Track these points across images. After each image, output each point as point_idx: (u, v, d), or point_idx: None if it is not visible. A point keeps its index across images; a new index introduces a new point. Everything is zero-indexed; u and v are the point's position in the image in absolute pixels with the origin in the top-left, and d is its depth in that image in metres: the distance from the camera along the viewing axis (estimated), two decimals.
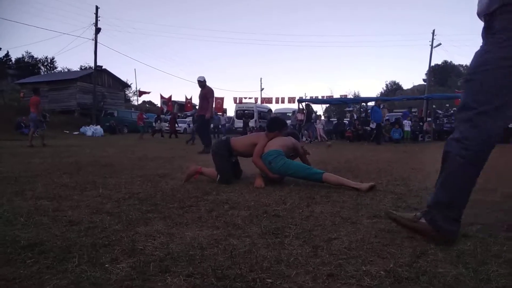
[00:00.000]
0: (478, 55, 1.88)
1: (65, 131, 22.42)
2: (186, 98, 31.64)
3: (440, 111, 22.53)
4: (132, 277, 1.47)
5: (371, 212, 2.57)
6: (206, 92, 8.57)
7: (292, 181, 3.94)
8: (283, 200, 3.00)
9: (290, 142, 3.99)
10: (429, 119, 18.81)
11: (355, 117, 21.01)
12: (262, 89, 45.56)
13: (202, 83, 8.61)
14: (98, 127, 23.85)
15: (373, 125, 15.52)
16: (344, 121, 21.96)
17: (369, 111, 18.07)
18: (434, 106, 23.27)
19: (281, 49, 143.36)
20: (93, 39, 27.43)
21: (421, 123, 18.08)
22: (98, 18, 27.49)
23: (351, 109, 27.90)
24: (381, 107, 16.48)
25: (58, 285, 1.41)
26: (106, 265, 1.59)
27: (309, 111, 18.49)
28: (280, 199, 3.04)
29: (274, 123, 4.13)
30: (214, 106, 8.67)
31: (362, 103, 22.57)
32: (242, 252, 1.76)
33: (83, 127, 23.73)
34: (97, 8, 27.42)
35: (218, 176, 3.83)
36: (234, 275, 1.48)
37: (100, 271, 1.53)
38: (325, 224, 2.27)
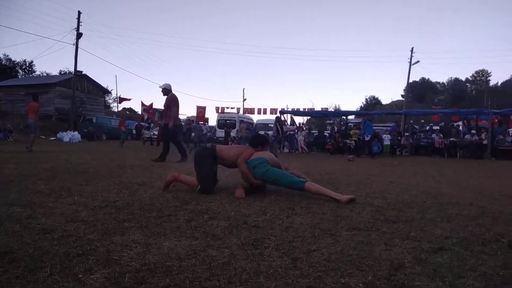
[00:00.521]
0: None
1: (41, 136, 21.81)
2: None
3: (417, 126, 23.08)
4: None
5: (350, 224, 2.59)
6: (170, 100, 8.32)
7: (273, 191, 3.94)
8: (264, 210, 2.98)
9: (274, 157, 4.06)
10: (406, 133, 19.20)
11: (336, 130, 21.26)
12: (244, 100, 45.63)
13: (166, 90, 8.32)
14: (76, 133, 23.27)
15: (367, 138, 16.00)
16: (325, 134, 22.18)
17: (358, 125, 18.45)
18: (411, 121, 23.81)
19: (264, 60, 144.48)
20: (74, 44, 26.98)
21: (399, 138, 18.45)
22: (80, 23, 27.10)
23: (331, 121, 28.25)
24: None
25: None
26: (80, 276, 1.54)
27: (281, 124, 18.61)
28: (261, 209, 3.03)
29: (258, 138, 4.24)
30: (177, 114, 8.34)
31: (343, 116, 22.89)
32: (221, 263, 1.74)
33: (60, 132, 23.12)
34: (79, 13, 27.02)
35: (199, 186, 3.75)
36: (212, 287, 1.45)
37: (73, 281, 1.48)
38: (304, 235, 2.27)
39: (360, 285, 1.52)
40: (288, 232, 2.35)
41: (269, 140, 4.40)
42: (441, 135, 17.27)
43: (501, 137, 15.49)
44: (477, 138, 15.93)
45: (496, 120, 17.81)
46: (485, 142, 15.71)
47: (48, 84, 30.43)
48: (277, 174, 3.73)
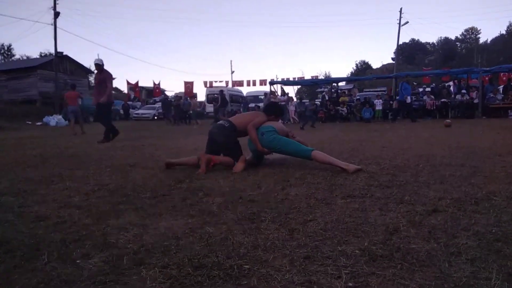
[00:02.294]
0: None
1: (27, 122, 21.46)
2: (154, 83, 31.00)
3: None
4: (105, 272, 1.42)
5: (345, 192, 2.61)
6: (105, 76, 8.00)
7: (266, 164, 3.94)
8: (258, 184, 2.99)
9: (284, 127, 4.09)
10: (397, 97, 19.23)
11: (327, 98, 21.21)
12: (232, 72, 45.10)
13: (100, 66, 8.01)
14: (61, 116, 22.90)
15: (409, 100, 15.07)
16: (316, 102, 22.14)
17: (397, 89, 17.57)
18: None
19: (250, 30, 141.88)
20: (52, 24, 26.12)
21: (391, 102, 18.46)
22: (57, 2, 26.13)
23: (322, 89, 28.15)
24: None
25: (27, 285, 1.35)
26: (78, 261, 1.54)
27: (222, 97, 18.41)
28: (255, 183, 3.03)
29: (273, 107, 4.25)
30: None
31: (333, 84, 22.77)
32: (219, 239, 1.75)
33: (46, 117, 22.67)
34: None
35: (236, 163, 3.71)
36: (211, 264, 1.46)
37: (71, 267, 1.48)
38: (300, 206, 2.29)
39: (357, 251, 1.54)
40: (284, 204, 2.37)
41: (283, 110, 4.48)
42: (432, 97, 17.31)
43: (492, 95, 15.59)
44: (467, 97, 16.02)
45: (486, 78, 17.86)
46: (476, 101, 15.83)
47: (29, 67, 29.59)
48: (284, 142, 3.75)
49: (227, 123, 3.94)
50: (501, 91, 15.88)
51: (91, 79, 44.74)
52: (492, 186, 2.65)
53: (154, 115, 26.77)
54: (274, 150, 3.84)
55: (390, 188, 2.72)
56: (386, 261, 1.44)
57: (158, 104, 27.57)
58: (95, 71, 8.04)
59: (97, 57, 8.20)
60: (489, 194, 2.40)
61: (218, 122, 4.13)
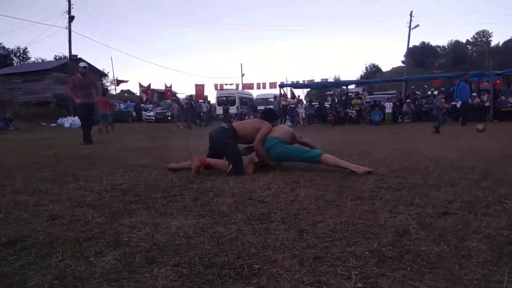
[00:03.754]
0: None
1: (42, 123, 21.81)
2: (166, 86, 31.19)
3: (418, 92, 22.89)
4: (118, 270, 1.45)
5: (354, 194, 2.61)
6: (91, 79, 8.61)
7: (276, 166, 3.96)
8: (268, 185, 3.00)
9: (291, 131, 4.04)
10: (408, 100, 19.09)
11: (336, 101, 21.14)
12: (243, 75, 45.14)
13: (87, 69, 8.50)
14: (76, 118, 23.21)
15: (458, 104, 13.07)
16: (325, 105, 22.07)
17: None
18: (412, 87, 23.62)
19: (261, 34, 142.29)
20: (66, 28, 26.51)
21: (397, 104, 18.32)
22: (72, 6, 26.52)
23: (332, 92, 28.05)
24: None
25: (42, 281, 1.38)
26: (91, 259, 1.57)
27: (191, 103, 18.40)
28: (265, 184, 3.05)
29: (272, 114, 4.21)
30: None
31: (343, 87, 22.68)
32: (229, 239, 1.77)
33: (60, 118, 23.02)
34: None
35: (231, 166, 3.58)
36: (221, 263, 1.48)
37: (84, 265, 1.51)
38: (310, 207, 2.30)
39: (366, 252, 1.55)
40: (293, 205, 2.38)
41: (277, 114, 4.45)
42: (443, 100, 17.11)
43: (504, 98, 15.38)
44: (478, 100, 15.82)
45: (498, 81, 17.62)
46: (487, 104, 15.63)
47: (44, 70, 30.05)
48: (291, 152, 3.73)
49: (228, 125, 3.96)
50: None
51: (105, 81, 45.33)
52: (503, 189, 2.62)
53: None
54: (283, 161, 3.84)
55: (400, 190, 2.71)
56: (396, 263, 1.44)
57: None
58: (79, 74, 8.30)
59: (83, 63, 8.47)
60: (500, 197, 2.38)
61: (220, 125, 4.12)
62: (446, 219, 1.96)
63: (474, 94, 16.36)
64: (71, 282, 1.37)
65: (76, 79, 8.27)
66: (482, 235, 1.71)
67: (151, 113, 27.43)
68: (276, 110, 18.01)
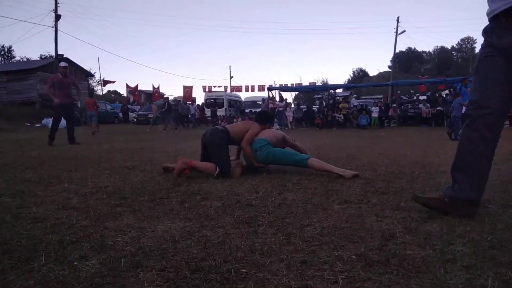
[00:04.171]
0: None
1: (26, 124, 21.42)
2: (154, 87, 30.98)
3: (404, 97, 23.24)
4: (102, 274, 1.43)
5: (341, 198, 2.62)
6: (71, 79, 8.59)
7: (264, 169, 3.96)
8: (255, 189, 3.00)
9: (280, 134, 4.03)
10: (394, 105, 19.35)
11: (324, 104, 21.31)
12: (231, 77, 45.17)
13: (67, 70, 8.51)
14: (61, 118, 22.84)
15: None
16: (313, 108, 22.22)
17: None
18: (399, 92, 23.96)
19: (250, 37, 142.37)
20: (53, 27, 26.13)
21: (383, 108, 18.56)
22: (58, 4, 26.16)
23: (320, 96, 28.26)
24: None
25: (24, 286, 1.35)
26: (75, 263, 1.54)
27: (168, 104, 18.31)
28: (252, 188, 3.04)
29: (266, 116, 4.20)
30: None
31: (331, 90, 22.87)
32: (216, 243, 1.75)
33: (45, 119, 22.58)
34: None
35: (217, 169, 3.53)
36: (208, 267, 1.46)
37: (68, 269, 1.48)
38: (297, 211, 2.30)
39: (353, 257, 1.55)
40: (281, 208, 2.38)
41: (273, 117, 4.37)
42: (428, 105, 17.42)
43: None
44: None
45: None
46: None
47: (29, 69, 29.54)
48: (279, 154, 3.73)
49: (222, 128, 3.92)
50: None
51: (91, 82, 44.80)
52: (487, 194, 2.66)
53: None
54: (270, 163, 3.85)
55: (386, 194, 2.74)
56: (382, 267, 1.45)
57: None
58: (59, 74, 8.26)
59: (64, 62, 8.46)
60: (484, 202, 2.41)
61: (215, 126, 4.10)
62: (432, 224, 1.99)
63: None
64: (54, 286, 1.34)
65: (56, 79, 8.21)
66: (467, 239, 1.74)
67: (133, 115, 27.04)
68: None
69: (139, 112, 25.98)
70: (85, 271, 1.46)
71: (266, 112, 4.56)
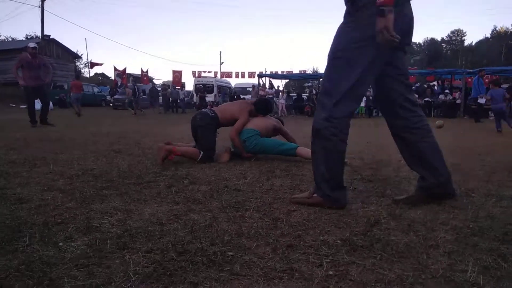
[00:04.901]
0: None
1: (11, 105, 20.99)
2: (142, 71, 30.52)
3: None
4: (88, 255, 1.42)
5: None
6: (42, 60, 8.42)
7: (252, 156, 3.96)
8: (244, 174, 3.01)
9: (271, 124, 3.96)
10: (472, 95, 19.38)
11: (314, 93, 21.29)
12: (221, 63, 44.79)
13: (37, 51, 8.35)
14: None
15: (482, 100, 11.87)
16: (303, 96, 22.21)
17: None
18: None
19: (241, 22, 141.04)
20: (39, 6, 25.46)
21: (371, 98, 18.63)
22: None
23: (310, 84, 28.24)
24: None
25: (8, 266, 1.33)
26: (60, 244, 1.53)
27: (133, 89, 18.17)
28: (241, 173, 3.05)
29: (263, 106, 4.07)
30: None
31: (321, 79, 22.84)
32: (203, 226, 1.76)
33: None
34: None
35: (201, 154, 3.54)
36: (195, 250, 1.47)
37: (53, 250, 1.47)
38: (284, 197, 2.31)
39: (338, 241, 1.57)
40: (269, 194, 2.39)
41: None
42: (416, 96, 17.53)
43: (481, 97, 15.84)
44: (450, 97, 16.31)
45: (469, 80, 18.18)
46: (458, 101, 16.13)
47: (14, 49, 28.77)
48: (267, 145, 3.72)
49: (212, 113, 3.86)
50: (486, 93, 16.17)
51: (78, 64, 43.93)
52: (471, 183, 2.72)
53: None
54: (258, 154, 3.84)
55: (373, 182, 2.77)
56: (366, 252, 1.48)
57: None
58: (28, 54, 8.04)
59: (33, 43, 8.28)
60: (467, 191, 2.47)
61: (203, 110, 4.04)
62: (416, 211, 2.02)
63: (447, 91, 16.87)
64: (38, 267, 1.33)
65: (25, 59, 7.99)
66: (449, 226, 1.77)
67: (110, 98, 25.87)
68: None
69: (115, 97, 25.32)
70: (70, 252, 1.45)
71: (267, 102, 4.29)
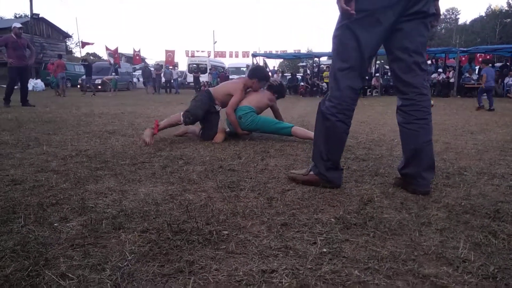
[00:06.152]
0: None
1: (1, 85, 20.64)
2: (134, 50, 30.05)
3: (387, 66, 23.26)
4: (83, 235, 1.43)
5: None
6: (25, 40, 8.36)
7: (247, 136, 3.96)
8: (238, 154, 3.01)
9: (265, 100, 3.94)
10: (377, 74, 19.38)
11: (308, 72, 21.17)
12: (215, 43, 44.10)
13: (22, 31, 8.35)
14: (39, 81, 22.03)
15: (474, 77, 12.02)
16: (297, 76, 22.08)
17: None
18: (382, 61, 23.96)
19: (235, 1, 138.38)
20: None
21: (366, 77, 18.61)
22: None
23: (304, 64, 28.02)
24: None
25: (3, 247, 1.33)
26: (55, 224, 1.53)
27: (87, 67, 17.87)
28: (235, 153, 3.05)
29: (257, 71, 4.07)
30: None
31: (315, 58, 22.66)
32: (198, 206, 1.77)
33: None
34: None
35: (201, 130, 3.75)
36: (190, 229, 1.48)
37: (48, 230, 1.47)
38: (279, 176, 2.33)
39: (332, 219, 1.59)
40: (263, 174, 2.40)
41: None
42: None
43: (467, 75, 15.91)
44: (444, 76, 16.30)
45: (463, 59, 18.16)
46: (452, 80, 16.14)
47: (3, 28, 28.02)
48: (263, 122, 3.72)
49: (207, 93, 3.89)
50: (476, 72, 16.18)
51: (69, 43, 43.08)
52: (463, 162, 2.75)
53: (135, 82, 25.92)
54: (253, 131, 3.84)
55: (366, 161, 2.79)
56: (359, 229, 1.50)
57: (138, 72, 26.91)
58: (13, 35, 8.08)
59: (19, 24, 8.27)
60: (460, 169, 2.50)
61: (206, 91, 4.05)
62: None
63: (440, 70, 16.84)
64: (34, 247, 1.33)
65: (10, 39, 8.04)
66: (442, 204, 1.80)
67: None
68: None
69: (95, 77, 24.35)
70: (65, 232, 1.45)
71: (260, 68, 4.35)
